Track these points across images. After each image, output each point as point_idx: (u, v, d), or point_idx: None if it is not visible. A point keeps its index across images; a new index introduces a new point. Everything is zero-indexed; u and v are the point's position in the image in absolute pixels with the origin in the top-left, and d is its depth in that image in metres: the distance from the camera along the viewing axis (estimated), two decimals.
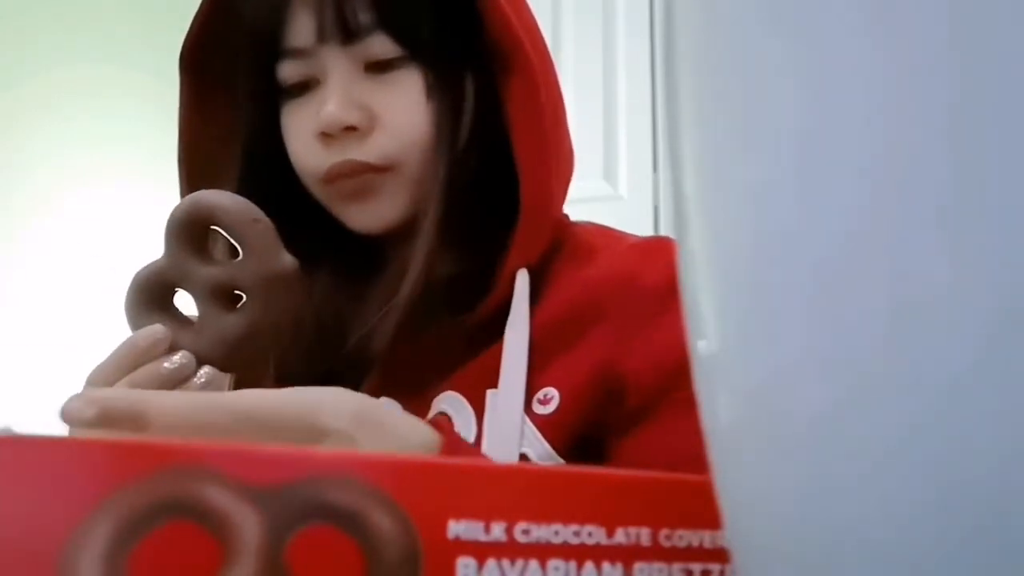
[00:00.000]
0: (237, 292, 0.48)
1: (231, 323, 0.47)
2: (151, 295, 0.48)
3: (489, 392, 0.56)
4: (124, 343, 0.47)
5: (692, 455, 0.54)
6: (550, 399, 0.56)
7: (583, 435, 0.56)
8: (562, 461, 0.55)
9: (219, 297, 0.48)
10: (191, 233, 0.48)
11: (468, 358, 0.57)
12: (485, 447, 0.55)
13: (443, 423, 0.56)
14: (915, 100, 0.14)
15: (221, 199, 0.48)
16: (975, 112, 0.13)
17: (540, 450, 0.55)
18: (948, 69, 0.14)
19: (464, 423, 0.56)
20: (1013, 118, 0.13)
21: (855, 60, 0.14)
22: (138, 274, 0.49)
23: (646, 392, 0.56)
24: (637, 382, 0.56)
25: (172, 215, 0.47)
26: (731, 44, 0.16)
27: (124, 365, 0.46)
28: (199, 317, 0.48)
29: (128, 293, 0.48)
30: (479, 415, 0.56)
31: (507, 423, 0.55)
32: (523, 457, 0.55)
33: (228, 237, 0.47)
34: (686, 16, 0.18)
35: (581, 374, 0.56)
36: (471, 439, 0.55)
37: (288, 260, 0.48)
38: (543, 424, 0.55)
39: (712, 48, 0.17)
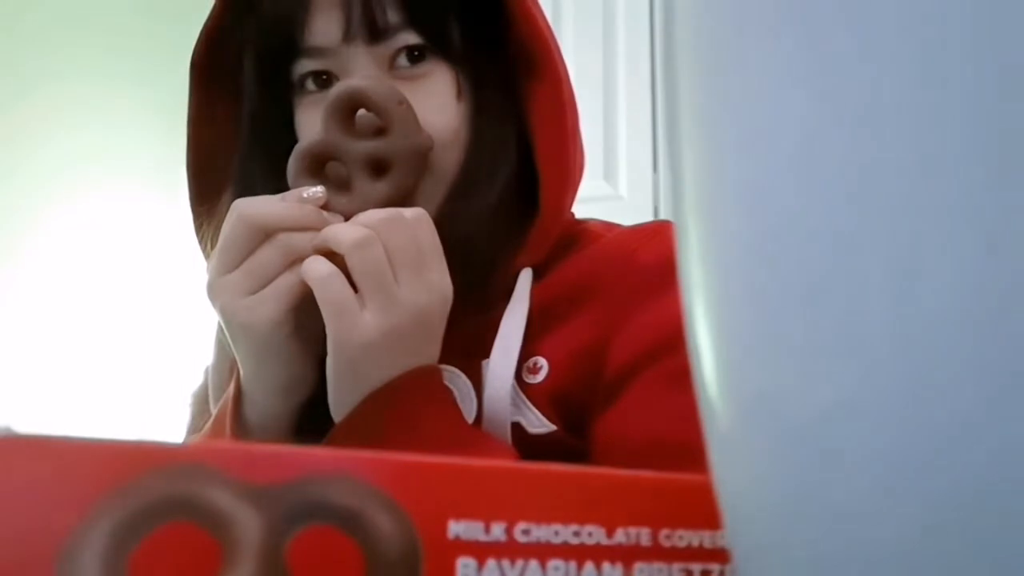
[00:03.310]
0: (384, 164, 0.55)
1: (380, 188, 0.55)
2: (310, 164, 0.55)
3: (484, 363, 0.56)
4: (291, 192, 0.54)
5: (657, 433, 0.55)
6: (539, 368, 0.56)
7: (574, 407, 0.56)
8: (554, 428, 0.55)
9: (369, 168, 0.55)
10: (343, 114, 0.55)
11: (462, 336, 0.57)
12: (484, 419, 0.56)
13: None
14: (917, 99, 0.14)
15: (370, 84, 0.55)
16: (980, 111, 0.14)
17: (532, 418, 0.55)
18: (951, 68, 0.14)
19: (465, 397, 0.56)
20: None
21: (856, 58, 0.14)
22: (298, 147, 0.56)
23: (619, 369, 0.56)
24: (614, 359, 0.56)
25: (328, 99, 0.55)
26: (731, 43, 0.16)
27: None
28: (352, 185, 0.55)
29: (290, 162, 0.55)
30: (477, 389, 0.56)
31: (498, 390, 0.55)
32: (515, 427, 0.55)
33: (377, 115, 0.55)
34: (686, 16, 0.18)
35: (571, 346, 0.57)
36: (472, 412, 0.56)
37: (427, 136, 0.56)
38: (533, 393, 0.56)
39: (712, 48, 0.17)
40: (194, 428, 0.67)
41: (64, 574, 0.20)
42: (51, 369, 2.08)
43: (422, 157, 0.56)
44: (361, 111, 0.55)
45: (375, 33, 0.57)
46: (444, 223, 0.55)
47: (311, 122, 0.58)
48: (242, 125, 0.63)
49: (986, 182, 0.13)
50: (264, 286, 0.51)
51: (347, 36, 0.57)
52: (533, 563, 0.24)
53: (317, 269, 0.50)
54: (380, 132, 0.55)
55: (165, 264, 2.03)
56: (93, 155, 2.16)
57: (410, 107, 0.55)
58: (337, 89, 0.55)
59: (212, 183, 0.63)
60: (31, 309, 2.13)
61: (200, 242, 0.63)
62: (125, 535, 0.21)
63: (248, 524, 0.22)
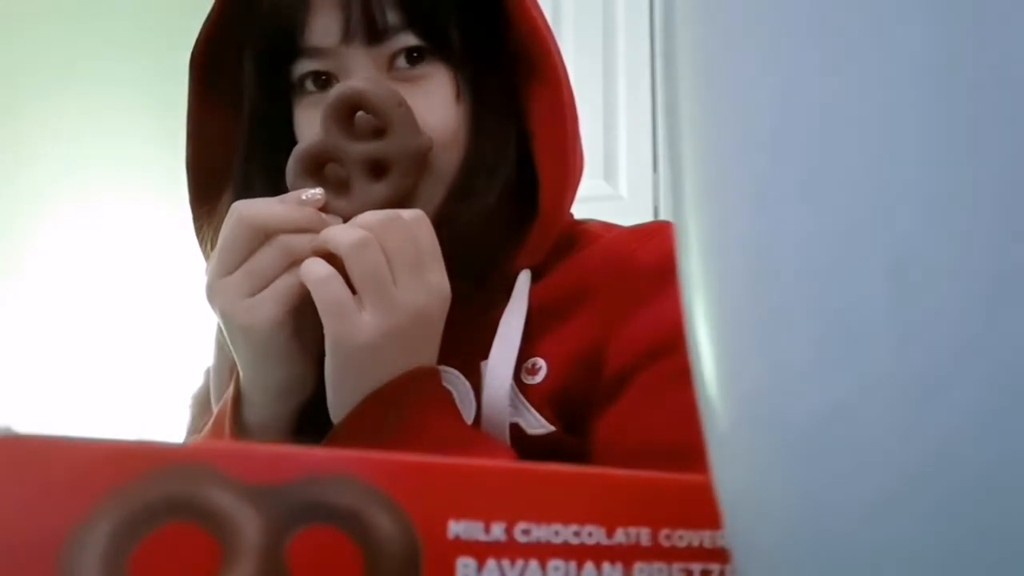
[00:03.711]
0: (383, 165, 0.56)
1: (379, 190, 0.55)
2: (309, 165, 0.55)
3: (483, 364, 0.57)
4: (290, 194, 0.54)
5: (657, 433, 0.55)
6: (538, 369, 0.56)
7: (573, 408, 0.56)
8: (553, 429, 0.55)
9: (368, 169, 0.55)
10: (342, 115, 0.55)
11: (461, 337, 0.57)
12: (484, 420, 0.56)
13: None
14: (916, 98, 0.14)
15: (368, 85, 0.55)
16: (977, 110, 0.14)
17: (531, 420, 0.55)
18: (949, 68, 0.14)
19: (464, 398, 0.56)
20: (1012, 113, 0.13)
21: (856, 59, 0.14)
22: (298, 148, 0.56)
23: (619, 369, 0.56)
24: (614, 359, 0.56)
25: (327, 101, 0.55)
26: (731, 43, 0.16)
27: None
28: (351, 186, 0.55)
29: (289, 164, 0.56)
30: (477, 390, 0.56)
31: (497, 391, 0.55)
32: (514, 428, 0.55)
33: (375, 117, 0.55)
34: (686, 16, 0.18)
35: (569, 347, 0.57)
36: (472, 413, 0.56)
37: (426, 138, 0.56)
38: (532, 394, 0.56)
39: (712, 48, 0.17)
40: (194, 429, 0.67)
41: (64, 574, 0.20)
42: (52, 371, 2.08)
43: (421, 158, 0.56)
44: (360, 112, 0.55)
45: (374, 34, 0.57)
46: (443, 224, 0.55)
47: (310, 122, 0.58)
48: (241, 125, 0.63)
49: (985, 183, 0.13)
50: (264, 288, 0.51)
51: (346, 36, 0.57)
52: (533, 563, 0.24)
53: (315, 271, 0.50)
54: (379, 134, 0.55)
55: (165, 268, 2.04)
56: (93, 161, 2.17)
57: (409, 108, 0.55)
58: (336, 91, 0.55)
59: (212, 183, 0.63)
60: (33, 312, 2.14)
61: (200, 243, 0.63)
62: (125, 535, 0.21)
63: (248, 524, 0.22)
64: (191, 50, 0.63)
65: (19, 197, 2.16)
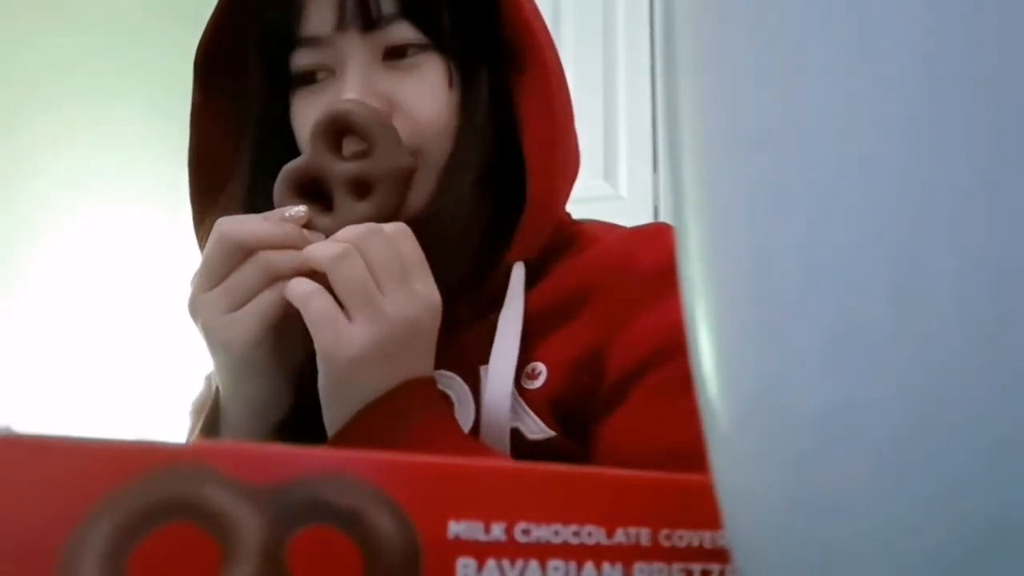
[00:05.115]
0: (367, 185, 0.56)
1: (362, 208, 0.55)
2: (295, 184, 0.56)
3: (483, 368, 0.56)
4: (274, 211, 0.54)
5: (659, 440, 0.54)
6: (538, 374, 0.56)
7: (573, 412, 0.56)
8: (553, 434, 0.55)
9: (352, 188, 0.56)
10: (329, 135, 0.56)
11: (459, 341, 0.57)
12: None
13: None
14: (918, 99, 0.14)
15: (353, 106, 0.56)
16: (980, 108, 0.14)
17: (531, 425, 0.55)
18: (949, 68, 0.14)
19: (463, 403, 0.56)
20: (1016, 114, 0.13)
21: (856, 58, 0.14)
22: (285, 168, 0.56)
23: (621, 373, 0.56)
24: (615, 364, 0.56)
25: (315, 121, 0.56)
26: (731, 44, 0.16)
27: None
28: (335, 205, 0.56)
29: (277, 183, 0.56)
30: (475, 394, 0.56)
31: (497, 397, 0.55)
32: (515, 432, 0.55)
33: (360, 137, 0.55)
34: (686, 15, 0.18)
35: (569, 351, 0.56)
36: (471, 418, 0.55)
37: (410, 158, 0.57)
38: (532, 399, 0.55)
39: (712, 48, 0.17)
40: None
41: (64, 574, 0.20)
42: (53, 374, 2.09)
43: (404, 178, 0.57)
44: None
45: (369, 22, 0.57)
46: (432, 215, 0.55)
47: (307, 115, 0.59)
48: (244, 122, 0.63)
49: (986, 180, 0.13)
50: (244, 304, 0.51)
51: (341, 25, 0.57)
52: (533, 563, 0.24)
53: (300, 288, 0.50)
54: (365, 153, 0.56)
55: (165, 274, 2.05)
56: (95, 171, 2.18)
57: (394, 129, 0.56)
58: (323, 111, 0.56)
59: (213, 180, 0.63)
60: (35, 315, 2.14)
61: (199, 240, 0.63)
62: (125, 535, 0.21)
63: (248, 524, 0.22)
64: (195, 49, 0.63)
65: (22, 204, 2.16)
